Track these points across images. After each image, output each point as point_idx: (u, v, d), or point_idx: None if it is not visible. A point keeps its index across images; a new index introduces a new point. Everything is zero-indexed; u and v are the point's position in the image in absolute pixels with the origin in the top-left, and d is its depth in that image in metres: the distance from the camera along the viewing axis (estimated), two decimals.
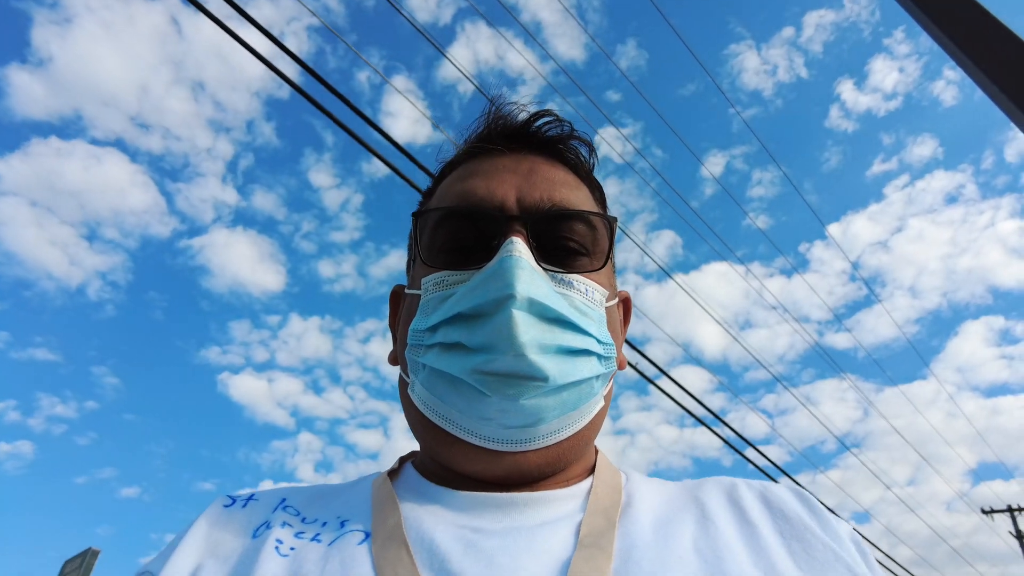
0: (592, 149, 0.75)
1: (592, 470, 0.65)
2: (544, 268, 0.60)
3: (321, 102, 3.84)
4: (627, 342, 0.75)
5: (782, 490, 0.64)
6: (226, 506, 0.62)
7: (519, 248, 0.58)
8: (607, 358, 0.63)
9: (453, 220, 0.64)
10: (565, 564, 0.50)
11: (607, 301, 0.66)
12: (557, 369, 0.56)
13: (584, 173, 0.73)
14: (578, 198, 0.67)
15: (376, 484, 0.62)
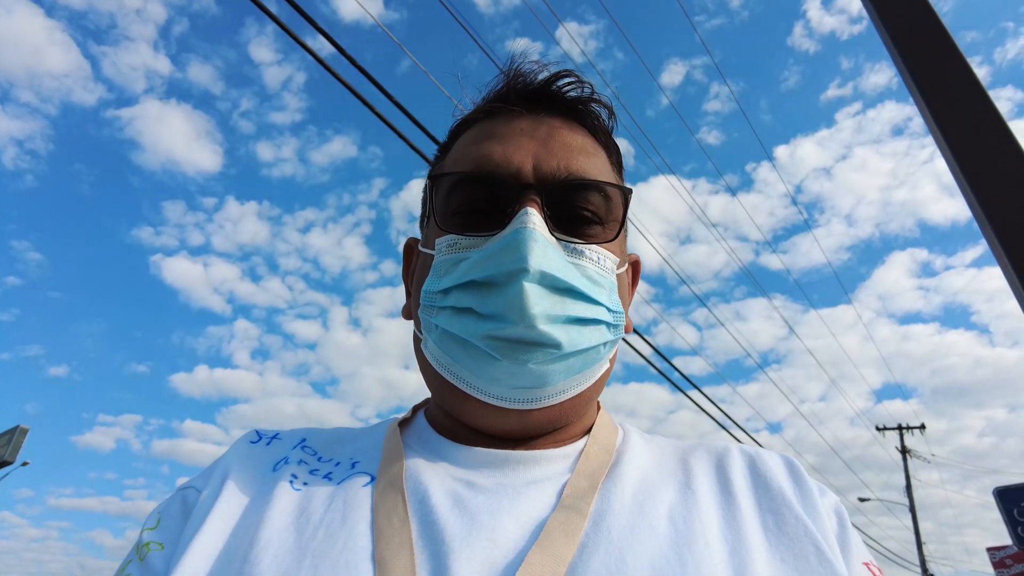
0: (612, 112, 0.74)
1: (590, 429, 0.68)
2: (557, 238, 0.61)
3: None
4: None
5: (772, 459, 0.65)
6: (252, 442, 0.68)
7: (533, 220, 0.58)
8: (616, 326, 0.64)
9: (468, 185, 0.65)
10: (541, 524, 0.52)
11: (618, 268, 0.67)
12: (567, 338, 0.58)
13: (603, 136, 0.73)
14: (594, 165, 0.67)
15: (388, 431, 0.67)
